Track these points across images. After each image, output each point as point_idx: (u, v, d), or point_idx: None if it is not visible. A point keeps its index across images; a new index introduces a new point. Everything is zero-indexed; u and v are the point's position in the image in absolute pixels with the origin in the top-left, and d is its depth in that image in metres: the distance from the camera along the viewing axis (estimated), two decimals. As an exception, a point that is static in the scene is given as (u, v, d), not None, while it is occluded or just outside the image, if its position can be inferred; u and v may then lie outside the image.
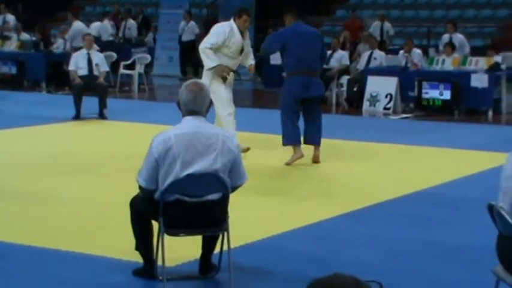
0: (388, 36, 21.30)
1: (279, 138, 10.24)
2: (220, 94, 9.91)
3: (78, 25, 20.39)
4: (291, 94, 10.12)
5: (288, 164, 9.97)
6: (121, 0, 29.47)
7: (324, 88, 10.46)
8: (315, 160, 10.14)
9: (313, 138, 10.17)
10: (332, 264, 6.24)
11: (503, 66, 15.99)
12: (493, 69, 15.38)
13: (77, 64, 14.56)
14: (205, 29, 25.28)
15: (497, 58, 16.12)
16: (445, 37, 18.22)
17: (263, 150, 10.82)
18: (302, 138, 10.17)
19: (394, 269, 6.16)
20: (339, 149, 11.27)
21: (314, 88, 10.07)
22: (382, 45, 19.33)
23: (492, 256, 4.82)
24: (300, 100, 10.07)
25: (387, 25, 21.37)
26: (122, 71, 19.49)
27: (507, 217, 4.52)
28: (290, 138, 10.07)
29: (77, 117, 13.96)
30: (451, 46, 16.75)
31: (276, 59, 20.43)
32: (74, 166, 9.98)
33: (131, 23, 24.01)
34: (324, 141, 10.30)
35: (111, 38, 22.65)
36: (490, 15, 24.76)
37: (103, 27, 22.71)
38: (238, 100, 17.07)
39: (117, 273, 5.91)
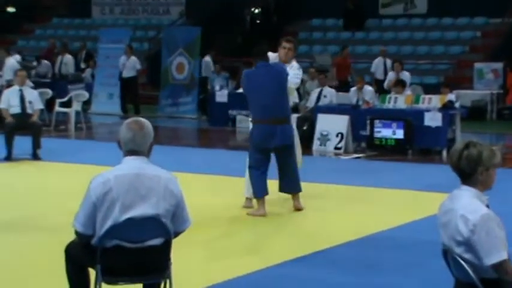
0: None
1: (225, 179, 10.22)
2: None
3: (10, 61, 20.30)
4: (253, 143, 9.77)
5: (248, 213, 9.72)
6: (57, 33, 29.44)
7: (292, 135, 9.80)
8: (297, 208, 9.88)
9: (288, 188, 9.88)
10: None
11: (457, 105, 16.27)
12: (446, 108, 15.57)
13: (9, 102, 14.42)
14: (147, 64, 25.40)
15: (451, 96, 16.40)
16: (391, 75, 18.69)
17: (210, 192, 10.82)
18: (278, 186, 9.93)
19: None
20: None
21: (280, 138, 9.56)
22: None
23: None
24: (266, 149, 9.69)
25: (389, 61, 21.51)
26: (57, 108, 19.36)
27: (462, 263, 4.57)
28: (256, 191, 9.69)
29: (9, 157, 13.82)
30: (401, 84, 17.06)
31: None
32: (4, 210, 9.86)
33: (68, 57, 23.94)
34: (271, 183, 10.02)
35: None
36: (443, 52, 25.18)
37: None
38: (182, 139, 17.02)
39: (51, 324, 5.84)
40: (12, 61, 20.41)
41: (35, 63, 24.09)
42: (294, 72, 10.08)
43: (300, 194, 9.97)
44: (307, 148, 16.15)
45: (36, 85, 18.00)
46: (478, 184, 4.67)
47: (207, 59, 23.89)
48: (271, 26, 27.59)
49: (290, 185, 9.89)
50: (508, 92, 22.90)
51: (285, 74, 9.72)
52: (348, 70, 22.15)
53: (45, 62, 23.92)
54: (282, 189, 9.97)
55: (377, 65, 21.84)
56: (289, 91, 9.99)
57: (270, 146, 9.64)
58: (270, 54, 10.04)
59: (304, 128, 16.58)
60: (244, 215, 9.72)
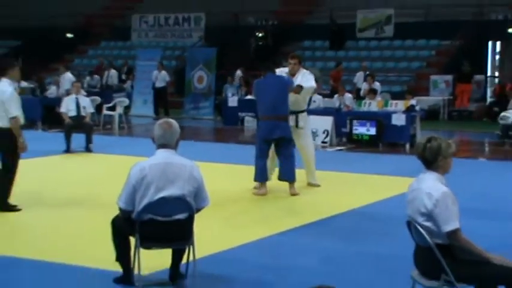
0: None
1: (236, 167, 10.18)
2: None
3: (68, 75, 20.32)
4: (260, 136, 9.78)
5: (253, 193, 9.68)
6: (104, 53, 29.43)
7: (290, 130, 9.68)
8: (292, 194, 9.69)
9: (285, 176, 9.73)
10: (281, 271, 6.24)
11: (417, 108, 16.29)
12: (409, 110, 15.58)
13: (67, 107, 14.49)
14: (174, 77, 25.38)
15: (413, 101, 16.40)
16: (365, 85, 18.89)
17: (224, 177, 10.80)
18: (277, 175, 9.83)
19: (330, 273, 6.18)
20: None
21: (280, 131, 9.51)
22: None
23: (410, 263, 4.85)
24: (269, 141, 9.66)
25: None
26: (104, 112, 19.37)
27: (422, 230, 4.57)
28: (258, 176, 9.67)
29: (67, 150, 13.83)
30: (373, 92, 17.29)
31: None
32: (65, 191, 9.87)
33: (112, 72, 23.92)
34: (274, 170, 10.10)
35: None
36: (406, 67, 25.14)
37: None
38: (202, 135, 16.98)
39: (101, 281, 5.84)
40: (69, 75, 20.39)
41: (88, 78, 24.09)
42: (304, 77, 10.03)
43: (297, 178, 9.89)
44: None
45: (89, 94, 17.99)
46: (438, 169, 4.69)
47: (239, 72, 23.81)
48: (270, 46, 27.53)
49: (288, 174, 9.73)
50: (456, 98, 22.89)
51: (287, 83, 9.71)
52: (340, 81, 22.07)
53: (96, 76, 23.91)
54: (280, 177, 9.84)
55: (358, 77, 21.83)
56: (307, 92, 10.05)
57: (273, 137, 9.59)
58: (281, 70, 10.16)
59: (298, 126, 16.55)
60: (252, 195, 9.69)
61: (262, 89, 9.76)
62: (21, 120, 8.43)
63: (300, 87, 9.84)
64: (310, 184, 10.34)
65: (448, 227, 4.50)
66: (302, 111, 10.19)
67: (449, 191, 4.57)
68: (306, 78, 10.02)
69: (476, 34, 24.49)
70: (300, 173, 10.06)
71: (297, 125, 10.08)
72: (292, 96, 9.80)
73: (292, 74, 10.02)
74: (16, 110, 8.29)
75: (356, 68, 23.06)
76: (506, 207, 9.09)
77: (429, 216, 4.55)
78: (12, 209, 8.43)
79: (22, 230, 7.81)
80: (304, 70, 10.28)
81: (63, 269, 6.20)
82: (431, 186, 4.60)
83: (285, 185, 9.74)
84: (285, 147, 9.72)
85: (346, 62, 25.12)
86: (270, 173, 9.89)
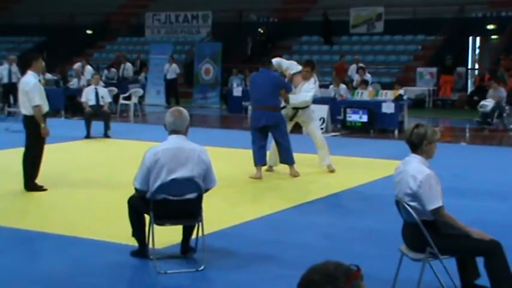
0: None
1: (240, 151, 10.16)
2: None
3: (88, 68, 20.29)
4: (250, 125, 9.83)
5: (250, 176, 9.55)
6: (121, 48, 29.37)
7: (276, 118, 9.53)
8: (293, 175, 9.60)
9: (284, 159, 9.68)
10: (282, 245, 6.25)
11: (405, 97, 16.22)
12: (398, 99, 15.53)
13: (87, 96, 14.47)
14: (184, 69, 25.31)
15: (401, 91, 16.34)
16: (357, 77, 18.85)
17: (228, 160, 10.80)
18: (278, 159, 9.79)
19: (326, 248, 6.18)
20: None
21: (265, 119, 9.43)
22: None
23: (399, 237, 4.86)
24: (258, 129, 9.57)
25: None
26: (121, 101, 19.34)
27: (409, 209, 4.57)
28: (255, 160, 9.60)
29: (88, 136, 13.83)
30: (365, 83, 17.20)
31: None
32: (86, 173, 9.88)
33: (128, 65, 23.84)
34: (276, 154, 9.96)
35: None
36: (395, 60, 25.06)
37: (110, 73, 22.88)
38: (209, 122, 16.97)
39: (118, 254, 5.85)
40: (90, 68, 20.36)
41: (106, 71, 24.01)
42: (307, 86, 9.91)
43: (298, 161, 9.82)
44: (299, 129, 16.08)
45: (107, 85, 17.94)
46: (423, 153, 4.67)
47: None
48: (271, 41, 27.44)
49: (285, 157, 9.69)
50: (440, 88, 22.82)
51: (276, 82, 9.60)
52: (344, 73, 21.92)
53: (113, 69, 23.79)
54: (280, 161, 9.82)
55: (352, 69, 21.71)
56: (304, 103, 9.91)
57: (259, 126, 9.51)
58: (291, 62, 10.22)
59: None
60: (246, 180, 9.67)
61: (255, 82, 9.71)
62: (45, 109, 8.43)
63: (287, 97, 9.72)
64: (324, 167, 10.07)
65: (431, 206, 4.50)
66: (303, 108, 10.07)
67: (432, 173, 4.57)
68: (306, 90, 9.88)
69: (458, 30, 24.45)
70: (303, 157, 10.04)
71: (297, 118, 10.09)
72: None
73: (305, 79, 9.95)
74: (39, 100, 8.28)
75: (349, 61, 22.96)
76: (485, 187, 9.09)
77: (414, 196, 4.55)
78: (39, 189, 8.45)
79: (48, 208, 7.82)
80: (313, 79, 10.08)
81: (85, 242, 6.21)
82: (415, 168, 4.59)
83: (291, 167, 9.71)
84: (275, 134, 9.65)
85: (340, 55, 25.02)
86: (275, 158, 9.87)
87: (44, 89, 8.57)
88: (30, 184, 8.44)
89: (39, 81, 8.70)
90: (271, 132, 9.65)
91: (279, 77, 9.83)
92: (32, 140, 8.40)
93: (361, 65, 20.68)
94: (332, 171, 10.03)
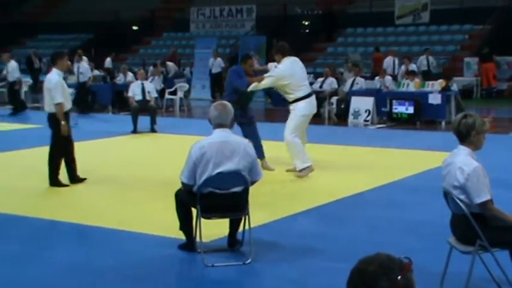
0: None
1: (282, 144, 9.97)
2: None
3: (85, 65, 20.37)
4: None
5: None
6: (166, 44, 29.61)
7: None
8: (266, 169, 9.17)
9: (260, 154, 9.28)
10: (328, 238, 6.22)
11: (452, 88, 15.93)
12: (444, 90, 15.31)
13: (134, 92, 14.63)
14: (229, 63, 25.41)
15: (453, 86, 16.08)
16: (403, 67, 18.47)
17: (272, 153, 10.79)
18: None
19: (373, 241, 6.13)
20: (332, 151, 11.23)
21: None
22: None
23: (447, 230, 4.79)
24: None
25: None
26: (167, 96, 19.52)
27: (458, 201, 4.50)
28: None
29: (135, 131, 14.00)
30: (412, 73, 16.90)
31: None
32: (133, 167, 10.00)
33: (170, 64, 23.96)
34: (321, 146, 10.04)
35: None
36: (441, 50, 24.66)
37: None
38: (256, 116, 16.90)
39: (166, 247, 5.91)
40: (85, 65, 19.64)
41: (151, 68, 24.02)
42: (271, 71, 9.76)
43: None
44: (344, 121, 16.04)
45: (165, 79, 18.01)
46: (471, 144, 4.59)
47: None
48: (317, 33, 27.34)
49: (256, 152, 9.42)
50: (482, 77, 22.43)
51: (228, 75, 9.65)
52: (379, 63, 21.59)
53: (170, 63, 23.67)
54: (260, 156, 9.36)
55: (387, 62, 21.33)
56: (264, 84, 9.74)
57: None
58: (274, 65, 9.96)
59: (342, 106, 16.44)
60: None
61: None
62: (67, 106, 8.50)
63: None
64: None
65: (479, 199, 4.42)
66: (290, 102, 9.73)
67: (480, 166, 4.47)
68: (269, 73, 9.65)
69: (506, 19, 23.93)
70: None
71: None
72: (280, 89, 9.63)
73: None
74: (60, 97, 8.34)
75: (384, 53, 22.60)
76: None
77: (462, 189, 4.47)
78: (62, 185, 8.53)
79: (99, 202, 7.92)
80: (274, 65, 9.91)
81: (133, 236, 6.29)
82: (463, 161, 4.50)
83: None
84: (246, 130, 9.54)
85: (386, 46, 24.74)
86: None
87: (65, 86, 8.59)
88: (54, 180, 8.53)
89: (64, 79, 8.76)
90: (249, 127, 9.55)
91: (231, 75, 9.58)
92: (56, 137, 8.49)
93: (396, 58, 20.23)
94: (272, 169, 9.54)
